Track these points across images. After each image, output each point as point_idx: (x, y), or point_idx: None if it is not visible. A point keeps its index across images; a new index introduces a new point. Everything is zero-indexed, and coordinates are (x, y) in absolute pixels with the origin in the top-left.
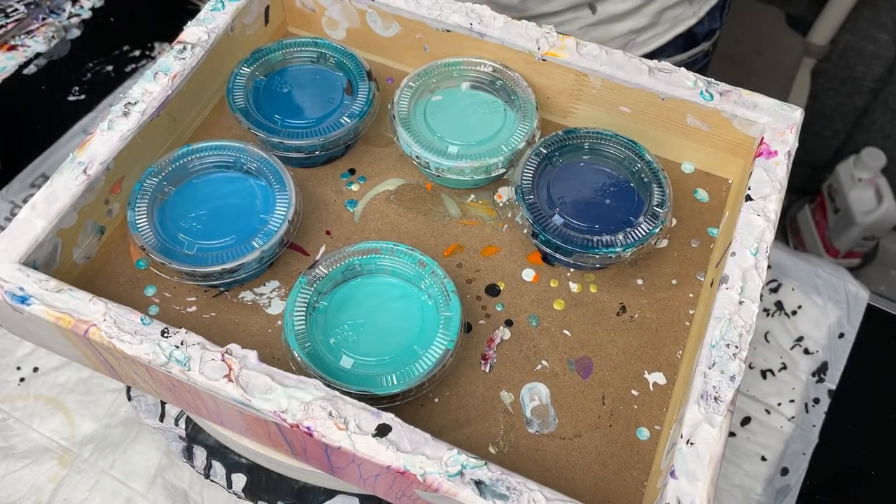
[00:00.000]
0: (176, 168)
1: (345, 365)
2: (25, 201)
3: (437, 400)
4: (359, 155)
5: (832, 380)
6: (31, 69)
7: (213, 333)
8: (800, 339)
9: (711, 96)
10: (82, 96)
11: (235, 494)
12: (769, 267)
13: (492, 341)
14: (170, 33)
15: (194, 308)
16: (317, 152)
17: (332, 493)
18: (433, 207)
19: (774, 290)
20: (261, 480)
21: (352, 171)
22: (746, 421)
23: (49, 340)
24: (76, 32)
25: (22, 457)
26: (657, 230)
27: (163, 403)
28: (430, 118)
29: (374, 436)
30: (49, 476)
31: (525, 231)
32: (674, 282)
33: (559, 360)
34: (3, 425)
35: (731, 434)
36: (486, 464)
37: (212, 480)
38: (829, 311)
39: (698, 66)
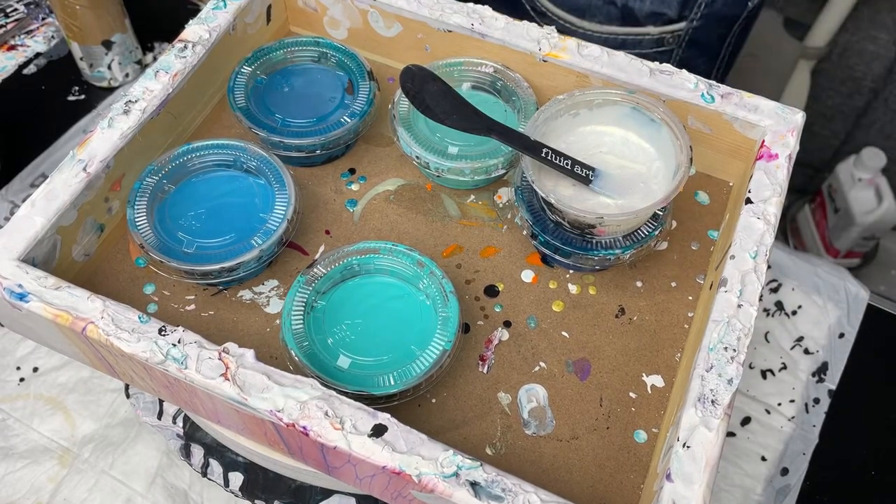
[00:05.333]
0: (176, 166)
1: (342, 365)
2: (25, 201)
3: (434, 400)
4: (359, 155)
5: (832, 380)
6: (31, 69)
7: (211, 332)
8: (800, 339)
9: (713, 98)
10: (82, 96)
11: (232, 493)
12: (769, 267)
13: (490, 342)
14: (170, 33)
15: (193, 306)
16: (317, 152)
17: (328, 493)
18: (433, 208)
19: (774, 290)
20: (258, 479)
21: (352, 171)
22: (746, 421)
23: (48, 338)
24: None
25: (22, 457)
26: (657, 232)
27: (161, 401)
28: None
29: (370, 436)
30: (49, 476)
31: (524, 232)
32: (673, 284)
33: (557, 361)
34: (3, 425)
35: (731, 434)
36: (481, 465)
37: (209, 479)
38: (829, 311)
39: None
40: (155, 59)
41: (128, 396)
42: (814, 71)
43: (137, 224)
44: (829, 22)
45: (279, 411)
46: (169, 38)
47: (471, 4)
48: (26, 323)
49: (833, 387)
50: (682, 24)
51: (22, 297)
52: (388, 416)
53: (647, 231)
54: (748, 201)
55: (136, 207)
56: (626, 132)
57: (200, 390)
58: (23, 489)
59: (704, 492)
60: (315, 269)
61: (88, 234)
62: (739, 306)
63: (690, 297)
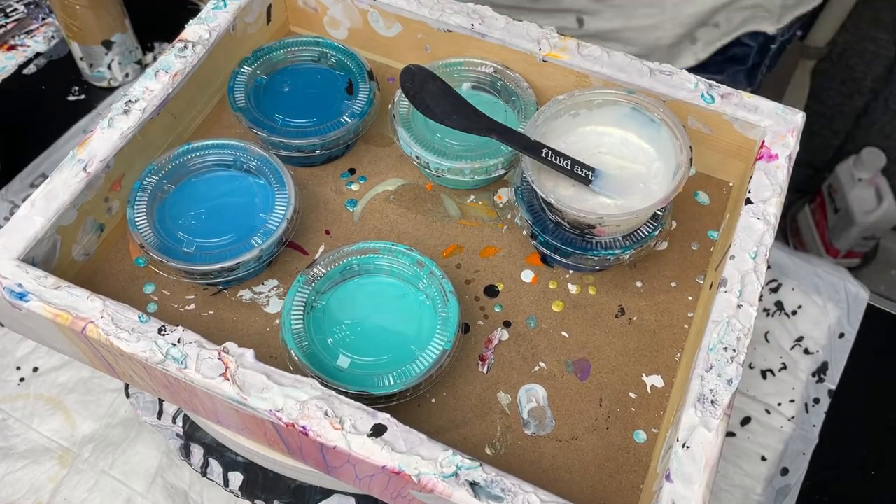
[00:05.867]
0: (176, 166)
1: (342, 364)
2: (25, 201)
3: (434, 400)
4: (359, 154)
5: (832, 380)
6: (31, 69)
7: (211, 331)
8: (800, 339)
9: (713, 99)
10: (82, 96)
11: (232, 493)
12: (769, 267)
13: (490, 342)
14: (170, 33)
15: (193, 306)
16: (317, 152)
17: (328, 493)
18: (433, 208)
19: (774, 290)
20: (257, 479)
21: (352, 171)
22: (746, 421)
23: (48, 337)
24: None
25: (22, 457)
26: (657, 232)
27: (160, 401)
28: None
29: (370, 436)
30: (49, 476)
31: (524, 232)
32: (673, 284)
33: (557, 361)
34: (3, 425)
35: (731, 434)
36: (480, 465)
37: (209, 479)
38: (829, 311)
39: None
40: (155, 59)
41: (128, 396)
42: (814, 71)
43: (137, 224)
44: (829, 22)
45: (279, 411)
46: (169, 38)
47: (471, 4)
48: (26, 323)
49: (833, 387)
50: None
51: (22, 296)
52: (387, 416)
53: (647, 231)
54: (748, 201)
55: (136, 207)
56: (625, 132)
57: (200, 390)
58: (23, 489)
59: (704, 492)
60: (315, 269)
61: (88, 233)
62: (739, 306)
63: (690, 298)
